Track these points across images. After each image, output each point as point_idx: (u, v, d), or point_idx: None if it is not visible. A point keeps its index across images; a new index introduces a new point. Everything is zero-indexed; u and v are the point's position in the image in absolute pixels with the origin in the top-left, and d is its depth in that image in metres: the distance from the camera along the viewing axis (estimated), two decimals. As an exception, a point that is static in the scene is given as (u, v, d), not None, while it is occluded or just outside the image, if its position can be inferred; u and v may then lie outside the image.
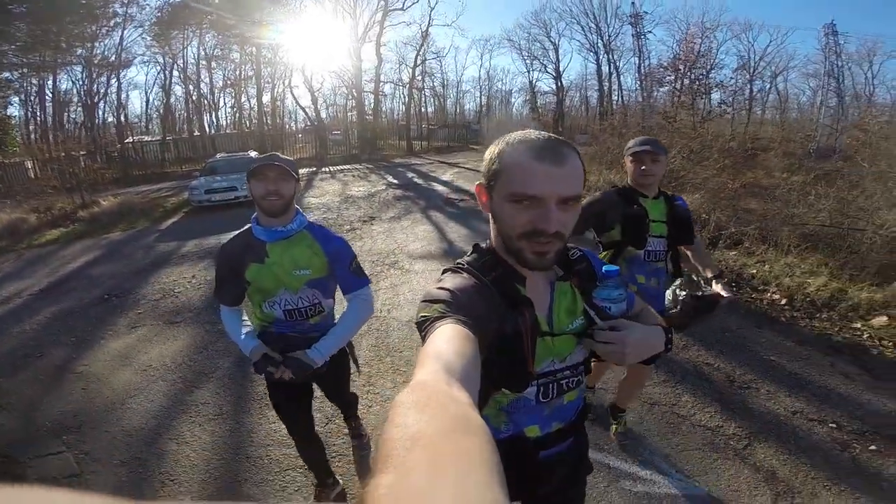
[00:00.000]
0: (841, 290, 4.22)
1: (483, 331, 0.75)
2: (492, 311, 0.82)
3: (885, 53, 23.11)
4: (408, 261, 5.79)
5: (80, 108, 26.84)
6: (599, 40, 30.52)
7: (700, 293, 1.93)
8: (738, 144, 10.40)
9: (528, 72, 35.68)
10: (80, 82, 26.29)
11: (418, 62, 33.13)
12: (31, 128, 26.05)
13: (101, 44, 25.86)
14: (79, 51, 25.06)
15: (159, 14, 27.28)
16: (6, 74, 23.53)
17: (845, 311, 3.97)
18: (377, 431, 2.60)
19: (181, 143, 26.57)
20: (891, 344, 3.51)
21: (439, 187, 12.30)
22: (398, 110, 37.06)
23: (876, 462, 2.37)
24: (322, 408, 2.73)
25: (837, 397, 2.89)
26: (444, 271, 0.94)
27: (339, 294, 1.87)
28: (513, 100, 39.96)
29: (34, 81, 25.28)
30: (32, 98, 25.82)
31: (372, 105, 30.26)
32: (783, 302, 4.20)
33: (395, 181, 13.94)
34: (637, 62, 28.19)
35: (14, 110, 25.20)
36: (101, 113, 27.41)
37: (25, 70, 24.27)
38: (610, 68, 30.47)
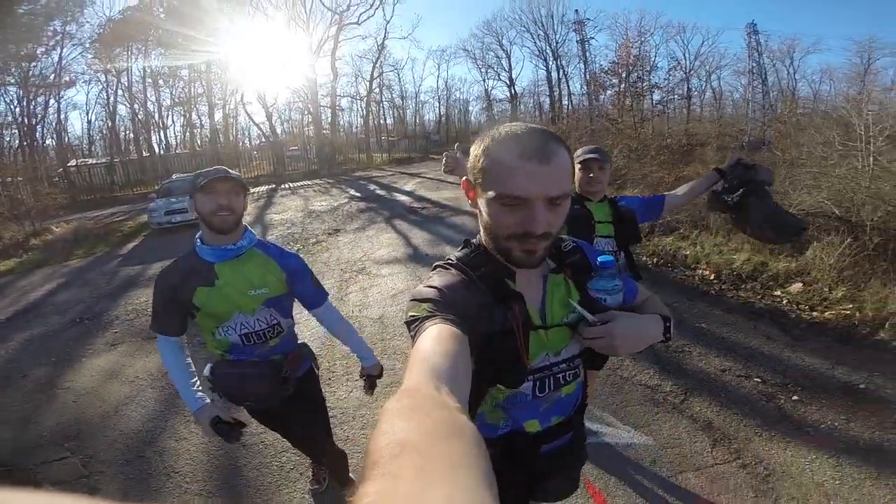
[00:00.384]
0: (762, 262, 4.85)
1: (473, 327, 0.75)
2: (481, 307, 0.82)
3: (802, 50, 25.36)
4: (375, 266, 6.14)
5: (15, 131, 25.43)
6: (548, 47, 31.94)
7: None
8: (674, 142, 11.31)
9: (484, 80, 36.84)
10: (15, 103, 24.90)
11: (375, 75, 33.56)
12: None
13: (39, 63, 24.69)
14: (13, 70, 23.81)
15: (100, 31, 26.36)
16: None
17: (766, 281, 4.58)
18: (364, 433, 2.80)
19: (129, 166, 25.65)
20: (807, 307, 4.10)
21: (402, 197, 12.64)
22: (357, 123, 37.19)
23: (800, 410, 2.71)
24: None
25: (761, 356, 3.30)
26: (434, 268, 0.93)
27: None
28: (471, 108, 40.92)
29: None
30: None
31: (329, 119, 30.31)
32: (712, 277, 4.81)
33: (358, 194, 14.16)
34: (583, 67, 29.62)
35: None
36: (39, 135, 26.09)
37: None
38: (559, 74, 31.88)
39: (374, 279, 5.60)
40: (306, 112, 32.47)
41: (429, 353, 0.61)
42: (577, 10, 29.78)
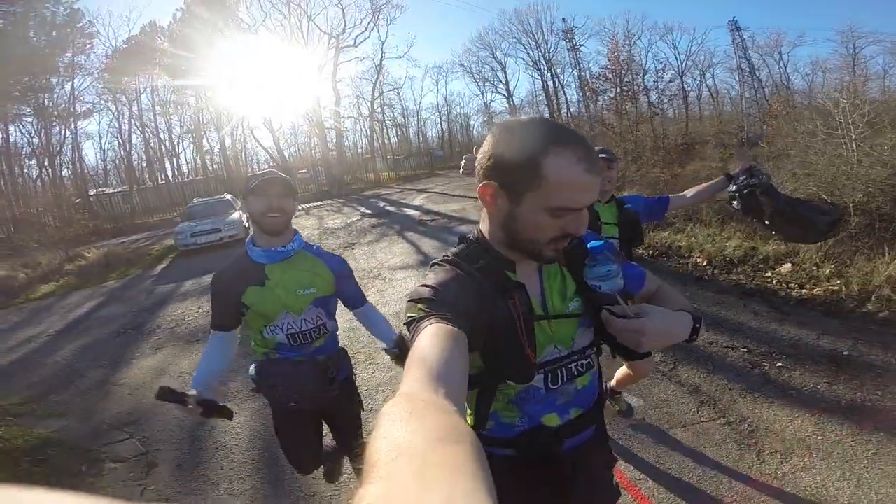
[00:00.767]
0: (753, 248, 5.15)
1: (471, 323, 0.75)
2: (480, 301, 0.81)
3: (790, 43, 25.64)
4: (390, 272, 6.57)
5: (33, 161, 26.32)
6: (541, 57, 32.55)
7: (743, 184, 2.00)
8: (670, 142, 11.67)
9: (482, 93, 37.60)
10: (31, 134, 25.95)
11: (376, 95, 34.52)
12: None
13: (55, 94, 25.81)
14: (31, 99, 24.71)
15: (107, 60, 27.58)
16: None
17: (757, 264, 4.88)
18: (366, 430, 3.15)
19: (146, 193, 26.59)
20: (796, 285, 4.37)
21: (410, 212, 13.12)
22: (361, 143, 38.10)
23: (784, 375, 2.89)
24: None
25: (748, 329, 3.49)
26: (431, 266, 0.92)
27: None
28: (472, 122, 41.69)
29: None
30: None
31: (335, 141, 31.18)
32: (705, 264, 5.13)
33: (369, 211, 14.66)
34: (577, 74, 30.16)
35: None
36: (57, 166, 27.05)
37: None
38: (555, 83, 32.43)
39: (390, 283, 6.02)
40: (312, 135, 33.47)
41: (426, 354, 0.62)
42: (564, 19, 30.51)
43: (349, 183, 27.33)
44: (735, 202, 2.03)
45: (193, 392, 1.51)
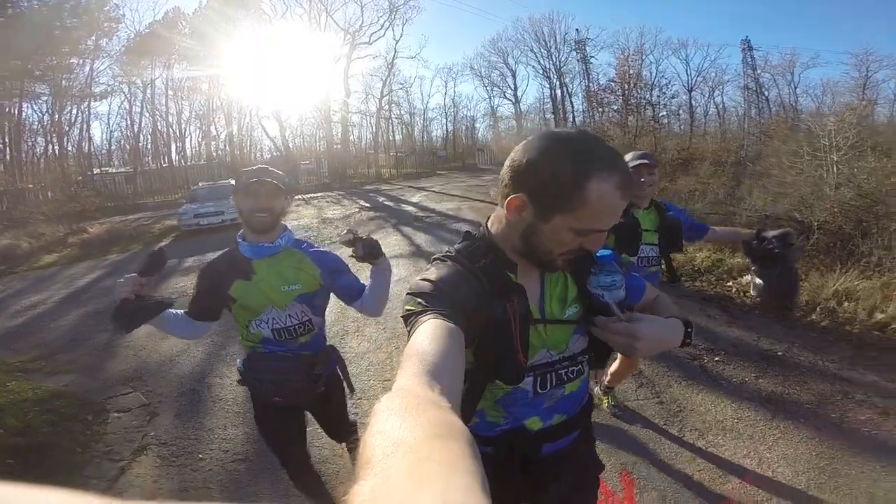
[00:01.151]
0: (720, 259, 5.52)
1: (469, 320, 0.75)
2: (478, 299, 0.82)
3: (802, 65, 26.07)
4: None
5: (41, 139, 26.44)
6: (551, 66, 32.87)
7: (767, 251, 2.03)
8: (668, 156, 12.06)
9: (490, 98, 37.89)
10: (42, 113, 26.01)
11: (385, 93, 34.83)
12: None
13: (74, 75, 25.97)
14: (48, 79, 24.85)
15: (128, 44, 27.63)
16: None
17: (721, 274, 5.25)
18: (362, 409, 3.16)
19: (151, 175, 26.89)
20: (754, 294, 4.74)
21: (408, 208, 13.52)
22: (366, 139, 38.42)
23: (718, 368, 3.26)
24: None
25: (699, 329, 3.70)
26: (433, 260, 0.92)
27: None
28: (477, 125, 42.01)
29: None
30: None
31: (341, 135, 31.52)
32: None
33: (368, 204, 15.05)
34: (586, 85, 30.42)
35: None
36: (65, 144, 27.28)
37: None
38: (562, 92, 32.76)
39: (381, 270, 6.36)
40: (319, 127, 33.81)
41: (422, 350, 0.62)
42: (577, 30, 30.82)
43: (351, 177, 27.64)
44: (752, 257, 2.14)
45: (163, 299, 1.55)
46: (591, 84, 28.81)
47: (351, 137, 34.02)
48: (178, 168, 29.13)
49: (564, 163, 0.77)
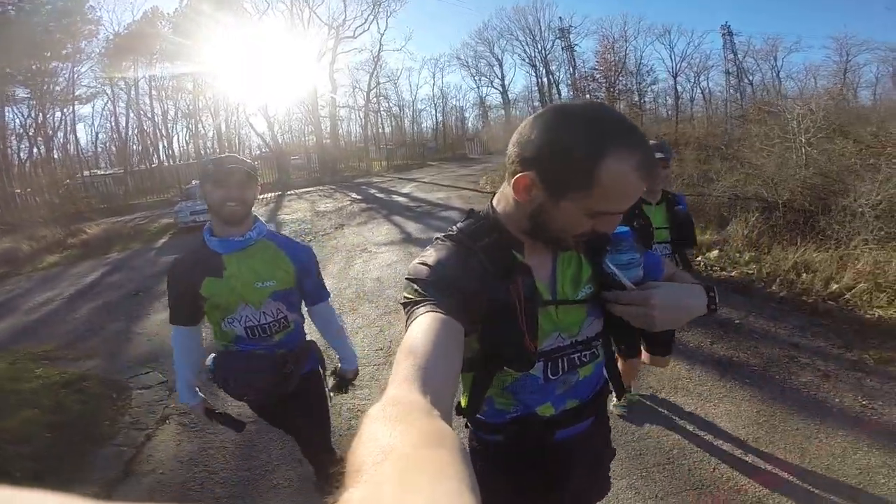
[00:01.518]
0: (688, 233, 5.95)
1: (469, 306, 0.72)
2: (481, 282, 0.77)
3: (785, 49, 26.48)
4: (375, 247, 7.38)
5: (25, 144, 26.35)
6: (537, 54, 33.12)
7: None
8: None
9: (478, 87, 38.06)
10: (24, 117, 25.92)
11: (372, 86, 34.84)
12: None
13: (56, 78, 25.89)
14: (29, 83, 24.71)
15: (108, 45, 27.58)
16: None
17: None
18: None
19: (141, 175, 26.94)
20: (718, 268, 5.14)
21: (399, 199, 13.84)
22: (356, 133, 38.48)
23: (678, 334, 3.44)
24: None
25: None
26: (434, 241, 0.87)
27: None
28: (467, 115, 42.19)
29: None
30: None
31: (329, 129, 31.59)
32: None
33: (359, 197, 15.28)
34: (570, 72, 30.80)
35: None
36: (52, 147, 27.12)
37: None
38: (549, 80, 33.04)
39: (374, 255, 6.76)
40: (308, 122, 33.82)
41: (417, 347, 0.60)
42: (560, 18, 31.00)
43: (341, 170, 27.77)
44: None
45: (194, 403, 1.70)
46: (575, 72, 29.11)
47: (340, 131, 34.13)
48: (166, 167, 29.13)
49: (577, 138, 0.71)
